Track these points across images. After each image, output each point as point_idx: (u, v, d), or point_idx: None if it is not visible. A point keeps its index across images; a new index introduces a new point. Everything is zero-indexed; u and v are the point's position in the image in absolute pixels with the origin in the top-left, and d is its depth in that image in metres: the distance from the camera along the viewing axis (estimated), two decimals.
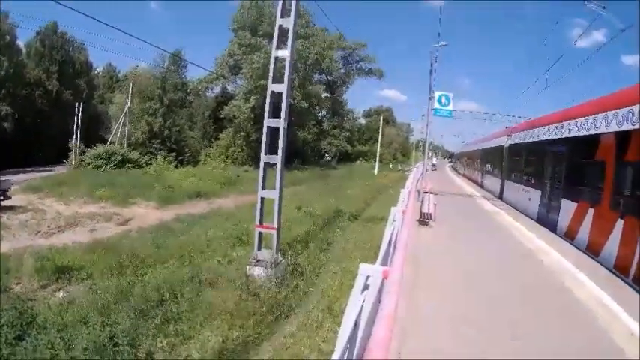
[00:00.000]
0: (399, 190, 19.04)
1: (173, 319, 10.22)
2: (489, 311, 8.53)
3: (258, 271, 13.11)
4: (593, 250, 14.17)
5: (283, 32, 14.24)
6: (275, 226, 13.84)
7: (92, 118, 61.54)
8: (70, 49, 63.35)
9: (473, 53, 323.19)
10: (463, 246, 14.57)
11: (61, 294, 12.82)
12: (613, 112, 13.70)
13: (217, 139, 64.08)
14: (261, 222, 14.17)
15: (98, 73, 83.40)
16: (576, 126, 17.08)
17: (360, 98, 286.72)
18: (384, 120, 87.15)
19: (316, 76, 74.88)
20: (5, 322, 9.59)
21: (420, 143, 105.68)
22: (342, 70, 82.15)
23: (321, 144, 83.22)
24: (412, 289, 9.22)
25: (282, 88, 13.88)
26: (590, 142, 15.41)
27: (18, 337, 9.30)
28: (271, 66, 14.36)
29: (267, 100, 14.12)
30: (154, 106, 57.61)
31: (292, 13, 13.94)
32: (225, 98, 65.49)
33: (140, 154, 52.22)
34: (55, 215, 24.50)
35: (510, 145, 30.50)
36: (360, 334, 4.63)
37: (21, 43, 59.48)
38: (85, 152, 48.17)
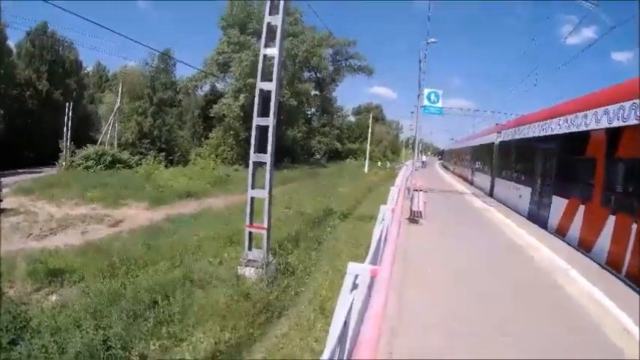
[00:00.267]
0: (389, 188, 19.09)
1: (165, 322, 10.24)
2: (480, 309, 8.58)
3: (249, 272, 13.12)
4: (584, 247, 14.25)
5: (272, 30, 14.23)
6: (265, 225, 13.84)
7: (82, 118, 61.20)
8: (60, 49, 63.28)
9: (463, 51, 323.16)
10: (453, 243, 14.62)
11: (53, 297, 12.85)
12: (603, 108, 13.78)
13: (207, 138, 63.83)
14: (251, 222, 14.17)
15: (88, 72, 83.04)
16: (567, 123, 17.16)
17: (350, 96, 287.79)
18: (373, 117, 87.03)
19: (305, 74, 74.76)
20: None
21: (410, 141, 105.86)
22: (332, 68, 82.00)
23: (310, 142, 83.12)
24: (402, 287, 9.26)
25: (271, 86, 13.87)
26: (581, 138, 15.50)
27: (12, 341, 9.34)
28: (260, 64, 14.35)
29: (256, 98, 14.11)
30: (144, 106, 57.60)
31: (280, 11, 13.93)
32: (214, 97, 65.23)
33: (130, 154, 51.93)
34: (47, 217, 24.46)
35: (500, 142, 30.58)
36: (349, 333, 4.64)
37: (11, 44, 59.44)
38: (75, 153, 47.81)
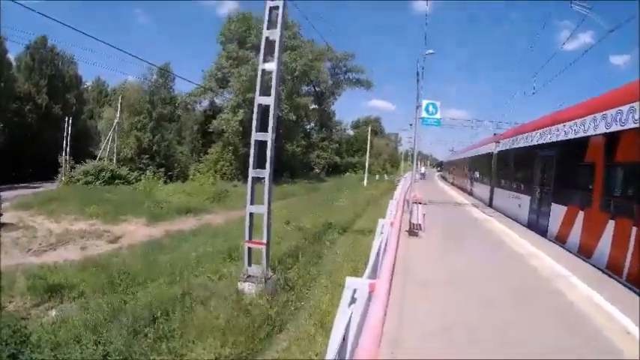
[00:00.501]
0: (388, 201, 19.09)
1: (165, 337, 10.24)
2: (482, 317, 8.55)
3: (249, 287, 13.12)
4: (585, 253, 14.28)
5: (270, 44, 14.27)
6: (264, 241, 13.84)
7: (81, 133, 61.33)
8: (60, 63, 63.53)
9: (460, 61, 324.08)
10: (453, 255, 14.55)
11: (53, 312, 12.83)
12: (601, 113, 13.83)
13: (206, 153, 63.73)
14: (250, 237, 14.18)
15: (87, 87, 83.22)
16: (564, 129, 17.24)
17: (349, 109, 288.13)
18: (372, 130, 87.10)
19: (304, 88, 74.87)
20: None
21: (409, 153, 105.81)
22: (330, 82, 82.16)
23: (309, 156, 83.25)
24: (402, 299, 9.22)
25: (269, 100, 13.90)
26: (579, 144, 15.58)
27: (12, 355, 9.33)
28: (258, 79, 14.40)
29: (255, 113, 14.14)
30: (143, 121, 57.62)
31: (279, 25, 14.00)
32: (213, 112, 65.26)
33: (129, 169, 51.95)
34: (46, 233, 24.48)
35: (499, 151, 30.69)
36: (348, 347, 4.65)
37: (11, 57, 59.55)
38: (74, 168, 47.90)
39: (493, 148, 32.36)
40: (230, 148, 60.60)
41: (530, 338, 7.61)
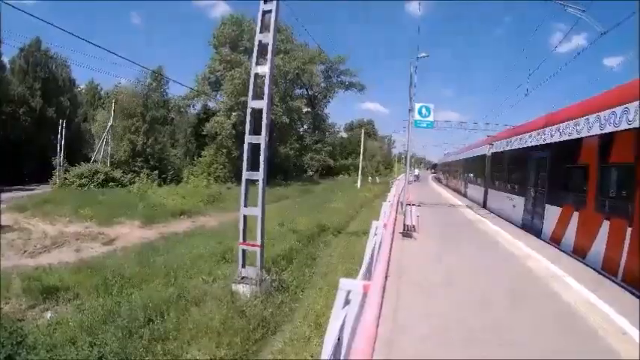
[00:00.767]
0: (381, 203, 19.12)
1: (160, 339, 10.23)
2: (477, 318, 8.60)
3: (243, 289, 13.12)
4: (579, 253, 14.35)
5: (263, 48, 14.29)
6: (258, 243, 13.85)
7: (75, 136, 61.42)
8: (54, 66, 63.49)
9: (453, 63, 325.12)
10: (447, 256, 14.60)
11: (49, 314, 12.80)
12: (595, 115, 13.90)
13: (200, 156, 63.80)
14: (244, 239, 14.18)
15: (81, 90, 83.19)
16: (558, 131, 17.30)
17: (342, 112, 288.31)
18: (365, 133, 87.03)
19: (297, 91, 75.15)
20: None
21: (403, 155, 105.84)
22: (323, 85, 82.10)
23: (303, 159, 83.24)
24: (396, 301, 9.28)
25: (262, 104, 13.90)
26: (573, 146, 15.66)
27: (9, 357, 9.34)
28: (251, 82, 14.40)
29: (248, 116, 14.16)
30: (137, 124, 57.56)
31: (272, 29, 14.00)
32: (206, 115, 65.36)
33: (123, 172, 52.08)
34: (41, 235, 24.52)
35: (493, 153, 30.78)
36: (343, 349, 4.68)
37: (5, 59, 59.55)
38: (68, 170, 47.96)
39: (487, 150, 32.46)
40: (223, 150, 60.69)
41: (525, 339, 7.66)
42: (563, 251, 15.42)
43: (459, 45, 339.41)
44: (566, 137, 16.50)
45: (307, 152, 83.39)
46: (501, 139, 28.75)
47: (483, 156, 33.63)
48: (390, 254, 9.95)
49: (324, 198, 44.18)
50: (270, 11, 14.07)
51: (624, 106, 12.15)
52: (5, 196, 34.73)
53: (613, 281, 11.65)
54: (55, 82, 63.06)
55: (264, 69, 14.11)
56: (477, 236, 19.29)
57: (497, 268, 13.31)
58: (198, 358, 9.46)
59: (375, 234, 10.47)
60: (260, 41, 14.23)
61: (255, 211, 14.05)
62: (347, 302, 5.02)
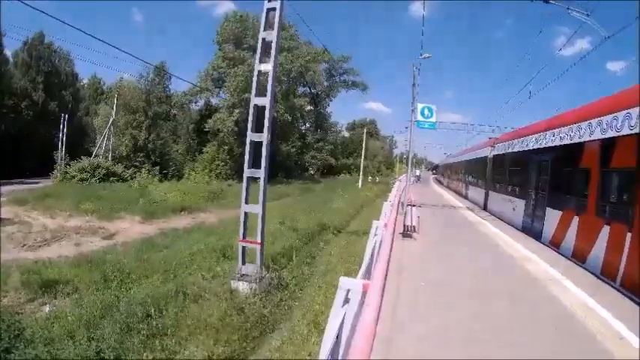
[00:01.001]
0: (382, 203, 19.12)
1: (159, 334, 10.23)
2: (475, 320, 8.59)
3: (242, 286, 13.11)
4: (579, 257, 14.31)
5: (267, 45, 14.29)
6: (259, 240, 13.85)
7: (77, 130, 61.29)
8: (57, 60, 63.41)
9: (456, 65, 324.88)
10: (447, 257, 14.62)
11: (47, 308, 12.80)
12: (597, 119, 13.87)
13: (201, 152, 63.73)
14: (244, 236, 14.19)
15: (83, 84, 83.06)
16: (560, 135, 17.27)
17: (344, 111, 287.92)
18: (367, 133, 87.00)
19: (300, 89, 74.92)
20: None
21: (404, 155, 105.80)
22: (326, 83, 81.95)
23: (304, 157, 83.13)
24: (396, 300, 9.27)
25: (265, 101, 13.91)
26: (574, 150, 15.60)
27: (6, 350, 9.32)
28: (254, 79, 14.40)
29: (251, 113, 14.15)
30: (139, 119, 57.49)
31: (275, 26, 14.00)
32: (209, 112, 65.18)
33: (124, 167, 51.97)
34: (41, 228, 24.44)
35: (494, 155, 30.70)
36: (342, 347, 4.68)
37: (8, 52, 59.50)
38: (69, 165, 47.89)
39: (488, 152, 32.39)
40: (225, 147, 60.58)
41: (523, 341, 7.65)
42: (563, 255, 15.41)
43: (461, 46, 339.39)
44: (568, 141, 16.46)
45: (309, 151, 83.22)
46: (503, 142, 28.70)
47: (485, 158, 33.58)
48: (390, 254, 9.94)
49: (325, 197, 44.15)
50: (274, 9, 14.07)
51: (626, 111, 12.12)
52: (5, 189, 34.64)
53: (612, 286, 11.63)
54: (57, 76, 63.03)
55: (268, 66, 14.11)
56: (477, 238, 19.28)
57: (496, 270, 13.30)
58: (196, 354, 9.45)
59: (376, 234, 10.49)
60: (264, 39, 14.24)
61: (256, 209, 14.06)
62: (346, 301, 5.03)
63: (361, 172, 72.33)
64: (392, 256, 11.80)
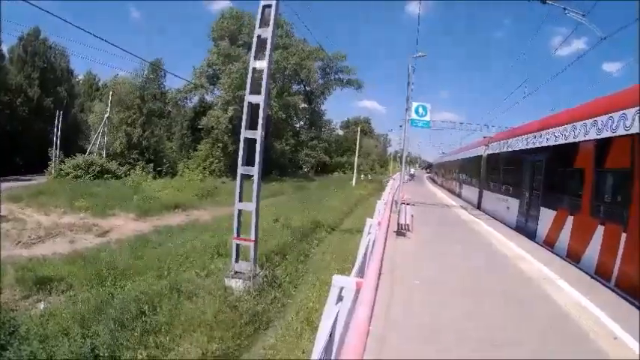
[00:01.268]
0: (376, 201, 19.12)
1: (153, 331, 10.25)
2: (469, 319, 8.58)
3: (236, 283, 13.15)
4: (573, 257, 14.33)
5: (262, 42, 14.30)
6: (252, 238, 13.87)
7: (71, 127, 61.12)
8: (52, 56, 63.23)
9: (451, 63, 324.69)
10: (440, 256, 14.63)
11: (42, 305, 12.85)
12: (592, 120, 13.90)
13: (195, 149, 63.66)
14: (238, 234, 14.21)
15: (79, 81, 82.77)
16: (555, 134, 17.28)
17: (339, 109, 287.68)
18: (362, 131, 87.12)
19: (294, 87, 74.66)
20: None
21: (399, 154, 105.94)
22: (321, 81, 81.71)
23: (298, 155, 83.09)
24: (389, 298, 9.28)
25: (259, 99, 13.93)
26: (569, 150, 15.61)
27: (1, 346, 9.32)
28: (249, 77, 14.44)
29: (245, 111, 14.16)
30: (133, 116, 57.41)
31: (271, 24, 14.02)
32: (203, 109, 65.11)
33: (119, 164, 51.94)
34: (35, 225, 24.50)
35: (488, 154, 30.74)
36: (335, 345, 4.69)
37: (4, 48, 59.38)
38: (64, 161, 47.86)
39: (483, 151, 32.40)
40: (219, 145, 60.56)
41: (517, 340, 7.67)
42: (557, 254, 15.43)
43: (458, 46, 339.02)
44: (563, 141, 16.47)
45: (303, 148, 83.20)
46: (497, 141, 28.71)
47: (479, 157, 33.57)
48: (383, 252, 9.95)
49: (319, 195, 44.18)
50: (269, 6, 14.09)
51: (622, 112, 12.15)
52: (1, 185, 34.62)
53: (606, 286, 11.66)
54: (53, 72, 62.83)
55: (263, 64, 14.13)
56: (471, 237, 19.30)
57: (489, 269, 13.31)
58: (189, 351, 9.47)
59: (369, 232, 10.50)
60: (259, 36, 14.26)
61: (250, 206, 14.08)
62: (340, 299, 5.03)
63: (355, 171, 72.32)
64: (385, 254, 11.81)
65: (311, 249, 19.78)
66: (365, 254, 8.42)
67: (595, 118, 13.76)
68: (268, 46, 14.02)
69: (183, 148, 67.42)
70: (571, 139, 15.62)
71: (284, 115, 62.50)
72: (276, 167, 64.19)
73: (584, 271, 13.06)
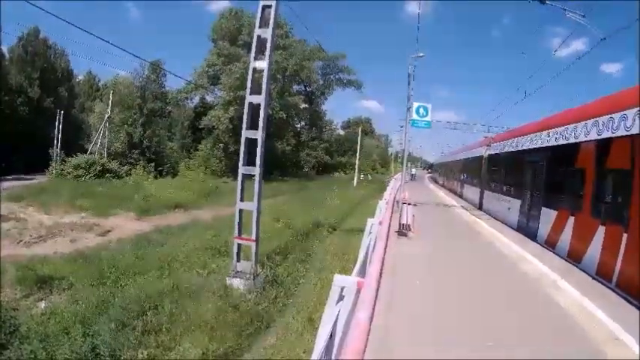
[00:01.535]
0: (377, 201, 19.11)
1: (153, 331, 10.25)
2: (470, 320, 8.57)
3: (237, 283, 13.16)
4: (574, 258, 14.29)
5: (262, 43, 14.31)
6: (254, 237, 13.88)
7: (72, 127, 61.15)
8: (52, 56, 63.22)
9: (452, 64, 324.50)
10: (442, 256, 14.60)
11: (42, 304, 12.85)
12: (593, 120, 13.88)
13: (196, 149, 63.73)
14: (239, 233, 14.22)
15: (79, 81, 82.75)
16: (556, 135, 17.24)
17: (339, 109, 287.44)
18: (362, 131, 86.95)
19: (295, 87, 74.63)
20: None
21: (399, 154, 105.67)
22: (321, 81, 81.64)
23: (299, 155, 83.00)
24: (390, 299, 9.28)
25: (260, 99, 13.93)
26: (570, 150, 15.55)
27: (1, 345, 9.34)
28: (249, 77, 14.45)
29: (246, 111, 14.17)
30: (134, 116, 57.56)
31: (271, 24, 14.04)
32: (204, 109, 65.18)
33: (120, 164, 52.02)
34: (37, 225, 24.50)
35: (490, 154, 30.67)
36: (335, 345, 4.69)
37: (4, 48, 59.48)
38: (65, 161, 47.94)
39: (484, 152, 32.32)
40: (220, 144, 60.61)
41: (518, 341, 7.65)
42: (558, 255, 15.40)
43: (458, 46, 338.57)
44: (563, 141, 16.45)
45: (304, 149, 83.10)
46: (498, 141, 28.67)
47: (480, 157, 33.49)
48: (384, 252, 9.93)
49: (320, 195, 44.07)
50: (269, 6, 14.09)
51: (623, 112, 12.13)
52: (1, 185, 34.63)
53: (607, 287, 11.64)
54: (53, 72, 62.90)
55: (263, 64, 14.15)
56: (472, 237, 19.28)
57: (491, 269, 13.30)
58: (190, 350, 9.47)
59: (370, 232, 10.49)
60: (259, 36, 14.28)
61: (251, 206, 14.08)
62: (341, 298, 5.03)
63: (356, 171, 72.24)
64: (387, 254, 11.81)
65: (312, 248, 19.76)
66: (366, 254, 8.42)
67: (596, 119, 13.74)
68: (268, 46, 14.03)
69: (184, 147, 67.46)
70: (572, 140, 15.58)
71: (285, 116, 62.36)
72: (277, 167, 64.09)
73: (585, 272, 13.04)
